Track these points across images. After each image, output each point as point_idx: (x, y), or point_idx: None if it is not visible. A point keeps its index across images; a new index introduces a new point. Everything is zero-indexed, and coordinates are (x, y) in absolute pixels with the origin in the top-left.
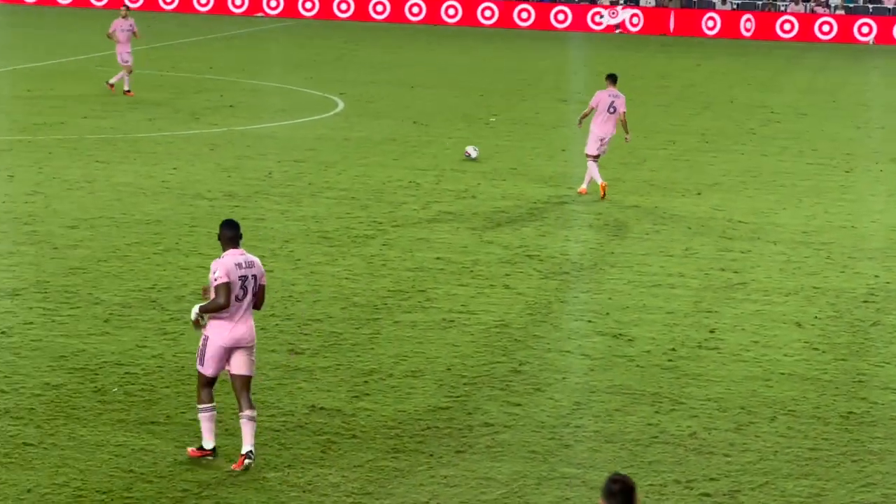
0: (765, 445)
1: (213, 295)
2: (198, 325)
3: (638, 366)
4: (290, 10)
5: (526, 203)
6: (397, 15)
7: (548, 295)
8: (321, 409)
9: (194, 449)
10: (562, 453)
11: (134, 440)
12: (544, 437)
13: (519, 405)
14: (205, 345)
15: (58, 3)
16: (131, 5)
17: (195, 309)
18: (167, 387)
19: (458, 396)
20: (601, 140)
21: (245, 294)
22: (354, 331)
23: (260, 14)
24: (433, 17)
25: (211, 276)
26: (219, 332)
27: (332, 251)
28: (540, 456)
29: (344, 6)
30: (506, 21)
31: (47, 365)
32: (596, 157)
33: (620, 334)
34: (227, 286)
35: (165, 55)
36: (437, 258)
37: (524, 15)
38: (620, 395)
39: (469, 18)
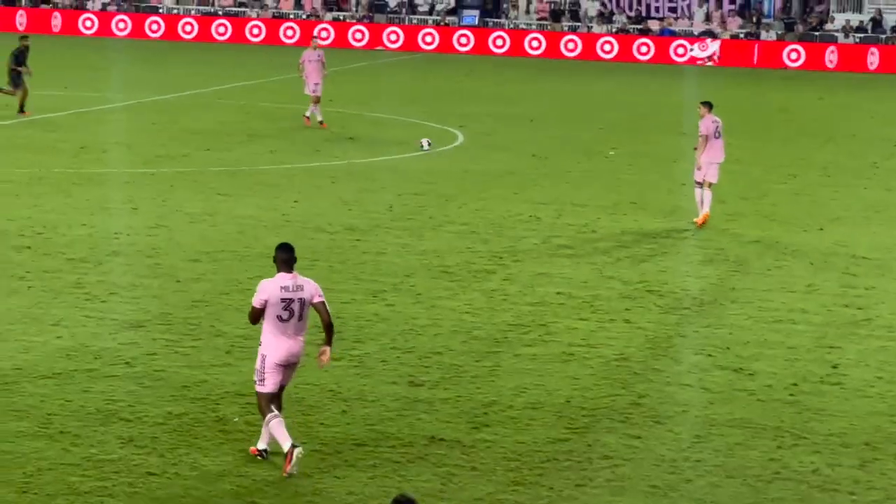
0: (891, 483)
1: None
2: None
3: (759, 400)
4: (411, 43)
5: (646, 237)
6: (517, 48)
7: (668, 329)
8: (441, 440)
9: (286, 465)
10: (682, 488)
11: (255, 470)
12: (664, 470)
13: (639, 438)
14: (263, 363)
15: (182, 38)
16: (321, 42)
17: None
18: (288, 417)
19: (577, 429)
20: (715, 165)
21: (291, 316)
22: (475, 363)
23: (380, 48)
24: (553, 51)
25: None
26: (274, 351)
27: (453, 285)
28: (661, 490)
29: (464, 39)
30: (625, 55)
31: (170, 395)
32: (701, 184)
33: (741, 368)
34: (257, 311)
35: (287, 88)
36: (558, 292)
37: (643, 49)
38: (741, 429)
39: (589, 52)
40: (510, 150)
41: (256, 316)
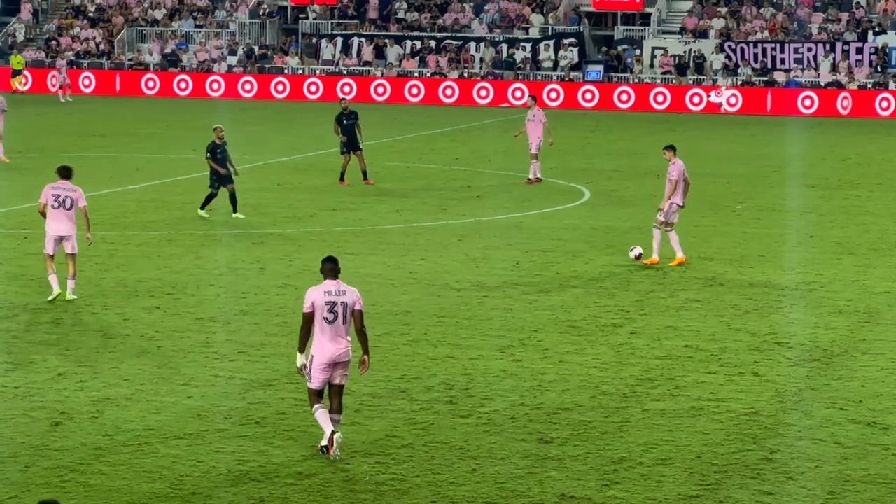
0: None
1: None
2: (301, 373)
3: (894, 454)
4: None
5: (774, 290)
6: (642, 103)
7: (798, 382)
8: (572, 497)
9: (330, 444)
10: None
11: None
12: None
13: (771, 494)
14: (311, 363)
15: (307, 98)
16: (530, 100)
17: (299, 359)
18: (417, 476)
19: (708, 485)
20: (677, 206)
21: (336, 318)
22: (604, 419)
23: (505, 104)
24: (678, 105)
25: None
26: (321, 351)
27: (581, 340)
28: None
29: (588, 95)
30: (751, 107)
31: (300, 455)
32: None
33: (875, 422)
34: (307, 315)
35: (412, 146)
36: (686, 346)
37: (768, 101)
38: (877, 485)
39: (714, 105)
40: (637, 206)
41: (308, 321)
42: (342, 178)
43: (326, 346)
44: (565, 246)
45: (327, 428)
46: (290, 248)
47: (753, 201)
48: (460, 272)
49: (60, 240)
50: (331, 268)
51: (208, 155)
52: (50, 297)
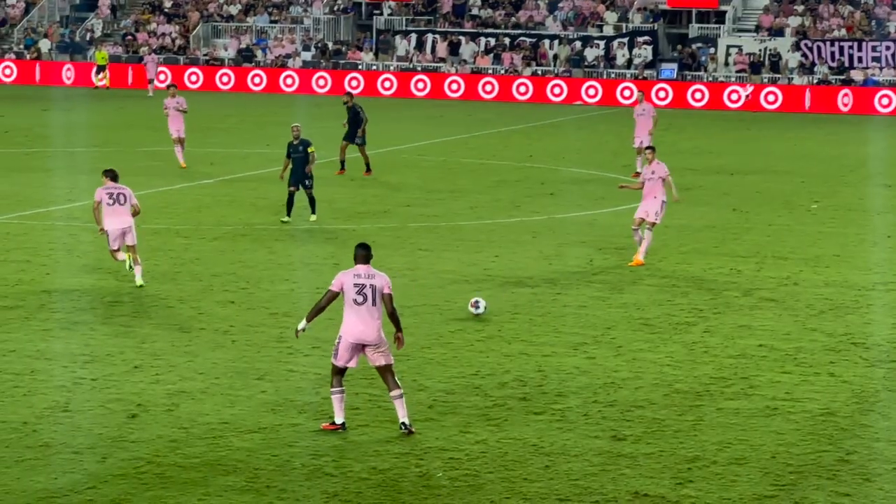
0: None
1: None
2: (297, 335)
3: None
4: (609, 97)
5: (850, 289)
6: (716, 101)
7: (874, 383)
8: (645, 495)
9: (328, 423)
10: None
11: None
12: None
13: (848, 496)
14: (339, 341)
15: (381, 95)
16: (639, 95)
17: (301, 323)
18: (490, 472)
19: (784, 485)
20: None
21: (364, 300)
22: (677, 417)
23: (579, 102)
24: (752, 104)
25: None
26: (348, 331)
27: (654, 337)
28: None
29: (662, 93)
30: (826, 106)
31: (374, 450)
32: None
33: None
34: (329, 293)
35: (486, 143)
36: (760, 345)
37: (846, 100)
38: None
39: (789, 104)
40: (710, 204)
41: (330, 298)
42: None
43: (355, 326)
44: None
45: (339, 417)
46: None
47: (829, 201)
48: (534, 269)
49: (122, 234)
50: (363, 253)
51: (287, 155)
52: (126, 265)
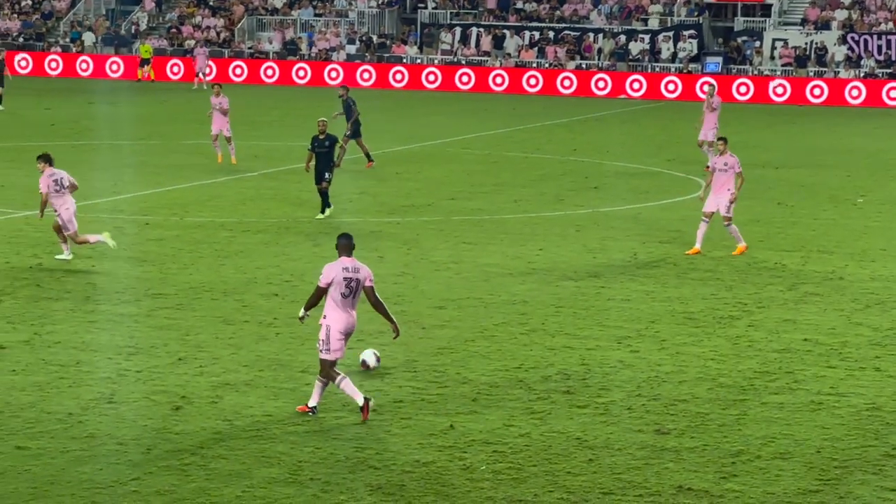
0: None
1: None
2: (301, 320)
3: None
4: (653, 91)
5: None
6: (761, 95)
7: None
8: (689, 489)
9: (364, 415)
10: None
11: None
12: None
13: (894, 490)
14: (328, 334)
15: (425, 88)
16: (710, 88)
17: (302, 311)
18: (534, 465)
19: (828, 480)
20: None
21: (350, 293)
22: (721, 411)
23: (623, 96)
24: (798, 97)
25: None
26: (337, 322)
27: (698, 331)
28: None
29: (707, 87)
30: (874, 100)
31: (417, 442)
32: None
33: None
34: (321, 289)
35: (530, 137)
36: (805, 339)
37: (893, 94)
38: None
39: (835, 98)
40: (755, 198)
41: (320, 295)
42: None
43: (343, 317)
44: (683, 238)
45: (358, 397)
46: (407, 237)
47: (875, 195)
48: (578, 262)
49: (72, 217)
50: (346, 244)
51: (309, 147)
52: (109, 243)
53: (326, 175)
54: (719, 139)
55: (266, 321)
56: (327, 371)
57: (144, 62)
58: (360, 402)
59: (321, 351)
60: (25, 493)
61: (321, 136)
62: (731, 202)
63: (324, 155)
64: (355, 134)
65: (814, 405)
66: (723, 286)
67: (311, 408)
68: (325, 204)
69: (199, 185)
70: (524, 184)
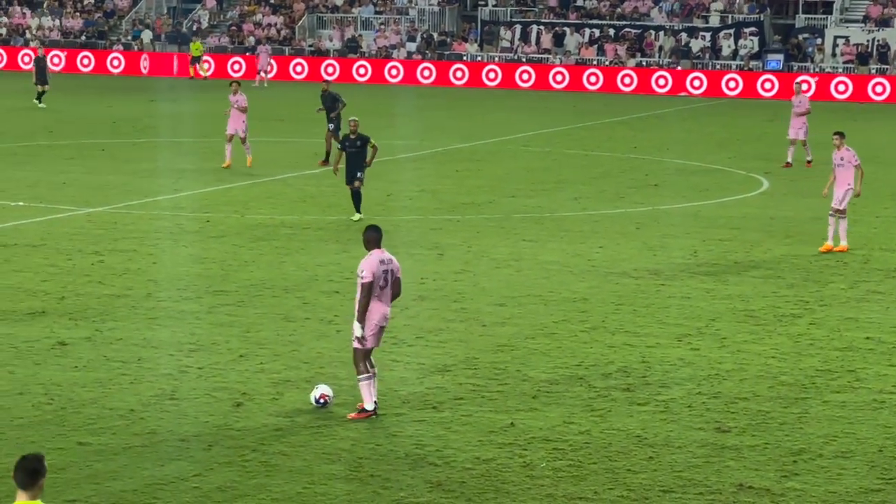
0: None
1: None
2: (361, 343)
3: None
4: (714, 88)
5: None
6: (823, 92)
7: None
8: (750, 488)
9: (356, 412)
10: None
11: None
12: None
13: None
14: (363, 325)
15: (486, 86)
16: (797, 87)
17: (357, 329)
18: (594, 463)
19: (890, 479)
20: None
21: (386, 285)
22: (782, 410)
23: (683, 93)
24: (860, 95)
25: (358, 273)
26: (375, 314)
27: (759, 329)
28: None
29: (768, 84)
30: None
31: (477, 440)
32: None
33: None
34: (370, 285)
35: (591, 135)
36: (867, 337)
37: None
38: None
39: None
40: (816, 196)
41: (370, 290)
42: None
43: (381, 309)
44: (743, 235)
45: (369, 402)
46: (468, 234)
47: None
48: (638, 260)
49: None
50: (378, 237)
51: (339, 146)
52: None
53: (358, 174)
54: (835, 133)
55: (327, 318)
56: (358, 363)
57: (195, 59)
58: (369, 407)
59: (354, 341)
60: (87, 489)
61: (353, 136)
62: (852, 195)
63: (355, 155)
64: (338, 128)
65: (876, 403)
66: (784, 284)
67: (372, 409)
68: (357, 207)
69: (259, 182)
70: (584, 181)
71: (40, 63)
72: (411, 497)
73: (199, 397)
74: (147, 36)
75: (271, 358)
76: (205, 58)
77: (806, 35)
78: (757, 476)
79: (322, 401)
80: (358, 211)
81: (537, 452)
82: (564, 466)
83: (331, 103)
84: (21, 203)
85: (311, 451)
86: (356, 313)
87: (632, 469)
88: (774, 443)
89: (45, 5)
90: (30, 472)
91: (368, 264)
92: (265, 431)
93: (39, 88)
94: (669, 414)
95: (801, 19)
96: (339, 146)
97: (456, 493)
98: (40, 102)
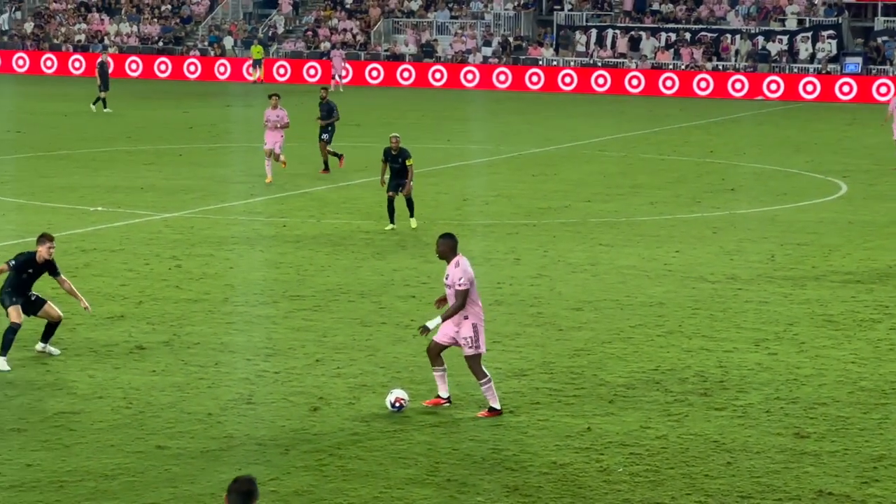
0: None
1: (451, 301)
2: (424, 332)
3: None
4: (791, 92)
5: None
6: (863, 95)
7: None
8: (830, 494)
9: (485, 411)
10: None
11: None
12: None
13: None
14: (476, 330)
15: (561, 90)
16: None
17: (437, 321)
18: (671, 468)
19: None
20: None
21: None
22: (862, 415)
23: (760, 97)
24: None
25: (455, 281)
26: (478, 317)
27: (838, 334)
28: None
29: (846, 88)
30: None
31: (554, 444)
32: None
33: None
34: (468, 292)
35: (667, 139)
36: None
37: None
38: None
39: None
40: (894, 200)
41: (466, 296)
42: (332, 166)
43: (479, 312)
44: (821, 240)
45: (495, 401)
46: (544, 238)
47: None
48: (715, 264)
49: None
50: (457, 243)
51: (383, 159)
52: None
53: (400, 189)
54: None
55: (403, 323)
56: (478, 368)
57: (256, 63)
58: (497, 405)
59: (470, 348)
60: (165, 492)
61: (393, 152)
62: None
63: (396, 169)
64: (331, 138)
65: None
66: (863, 289)
67: (446, 398)
68: (391, 217)
69: (335, 187)
70: (660, 186)
71: (103, 68)
72: (488, 502)
73: (275, 402)
74: (228, 42)
75: (347, 362)
76: (262, 62)
77: (885, 38)
78: (837, 482)
79: (398, 405)
80: (392, 221)
81: (614, 457)
82: (642, 471)
83: (327, 113)
84: (100, 208)
85: (388, 455)
86: (446, 313)
87: (709, 474)
88: (854, 449)
89: (123, 12)
90: (244, 493)
91: (466, 269)
92: (342, 436)
93: (103, 94)
94: (747, 419)
95: (879, 22)
96: (382, 158)
97: (533, 498)
98: (105, 107)
